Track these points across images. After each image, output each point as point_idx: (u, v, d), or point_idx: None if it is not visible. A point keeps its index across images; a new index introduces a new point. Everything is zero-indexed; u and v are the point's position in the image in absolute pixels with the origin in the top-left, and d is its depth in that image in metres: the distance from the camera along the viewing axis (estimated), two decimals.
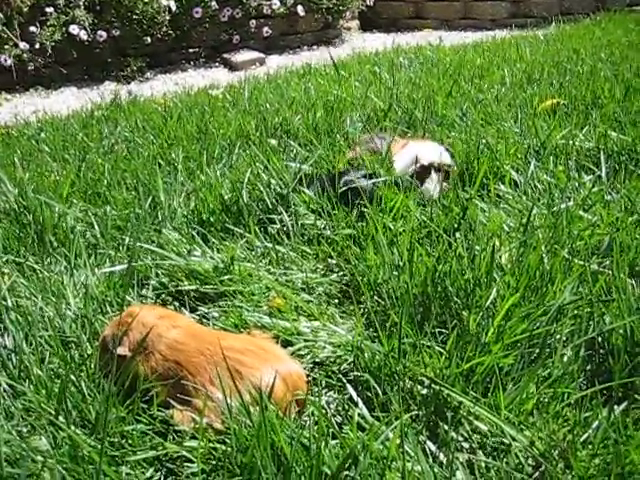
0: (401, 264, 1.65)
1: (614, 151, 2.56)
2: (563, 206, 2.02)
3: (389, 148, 2.26)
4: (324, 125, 2.94)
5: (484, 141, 2.48)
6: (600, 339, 1.45)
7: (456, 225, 1.91)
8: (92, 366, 1.50)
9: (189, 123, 3.20)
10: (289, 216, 2.06)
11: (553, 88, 3.59)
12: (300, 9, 6.62)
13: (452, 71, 4.19)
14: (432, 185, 2.03)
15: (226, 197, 2.19)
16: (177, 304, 1.75)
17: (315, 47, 6.97)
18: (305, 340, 1.53)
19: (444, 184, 2.07)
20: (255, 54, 6.23)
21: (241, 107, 3.43)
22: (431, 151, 2.14)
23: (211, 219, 2.17)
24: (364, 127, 2.84)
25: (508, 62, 4.51)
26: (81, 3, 5.55)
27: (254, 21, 6.41)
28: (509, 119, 2.93)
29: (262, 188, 2.20)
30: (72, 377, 1.40)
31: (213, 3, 6.09)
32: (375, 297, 1.69)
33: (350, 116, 3.00)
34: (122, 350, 1.39)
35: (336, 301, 1.78)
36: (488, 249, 1.69)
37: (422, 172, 2.13)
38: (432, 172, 2.08)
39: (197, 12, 6.10)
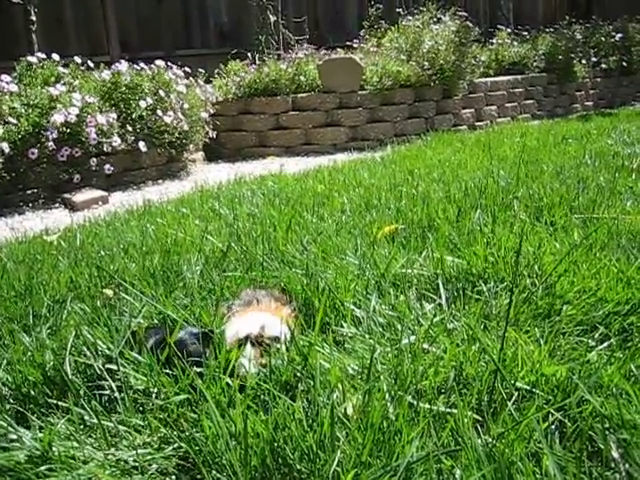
0: (235, 433, 1.51)
1: (452, 276, 2.60)
2: (406, 341, 1.99)
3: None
4: (161, 271, 2.81)
5: (323, 278, 2.44)
6: None
7: (297, 377, 1.81)
8: None
9: (15, 278, 2.96)
10: (118, 383, 1.88)
11: (391, 212, 3.69)
12: (142, 145, 6.58)
13: (294, 201, 4.23)
14: (245, 360, 1.89)
15: (47, 367, 1.98)
16: None
17: (160, 181, 6.91)
18: None
19: (262, 360, 1.92)
20: (97, 192, 6.06)
21: (73, 256, 3.24)
22: (252, 323, 2.03)
23: (32, 393, 1.94)
24: (202, 270, 2.73)
25: (348, 187, 4.63)
26: None
27: (95, 159, 6.28)
28: (350, 249, 2.94)
29: (88, 352, 2.01)
30: None
31: (50, 143, 5.92)
32: (213, 471, 1.52)
33: (187, 259, 2.89)
34: None
35: (173, 478, 1.60)
36: (329, 403, 1.59)
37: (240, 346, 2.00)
38: (248, 346, 1.95)
39: (33, 153, 5.91)
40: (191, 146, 7.49)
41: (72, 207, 5.87)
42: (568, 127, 8.15)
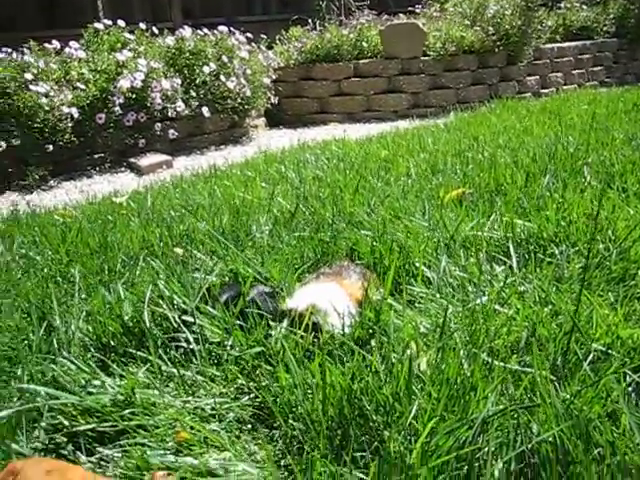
0: (313, 384, 1.54)
1: (522, 239, 2.57)
2: (478, 302, 1.98)
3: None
4: (230, 231, 2.85)
5: (393, 238, 2.44)
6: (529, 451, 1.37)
7: (370, 332, 1.83)
8: None
9: (90, 236, 3.05)
10: (194, 335, 1.93)
11: (457, 177, 3.65)
12: (205, 110, 6.65)
13: (358, 165, 4.22)
14: (316, 318, 1.87)
15: (126, 318, 2.04)
16: (72, 447, 1.57)
17: (222, 146, 6.98)
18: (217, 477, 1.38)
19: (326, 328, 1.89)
20: (162, 157, 6.17)
21: (144, 216, 3.31)
22: (322, 294, 2.00)
23: (112, 343, 2.01)
24: (271, 231, 2.77)
25: (412, 153, 4.59)
26: None
27: (159, 124, 6.37)
28: (417, 212, 2.93)
29: (165, 306, 2.07)
30: None
31: (117, 108, 6.03)
32: (290, 421, 1.56)
33: (256, 220, 2.92)
34: None
35: (249, 427, 1.64)
36: (405, 358, 1.61)
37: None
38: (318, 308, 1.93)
39: (101, 118, 6.03)
40: (253, 112, 7.52)
41: (138, 171, 5.99)
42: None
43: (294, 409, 1.55)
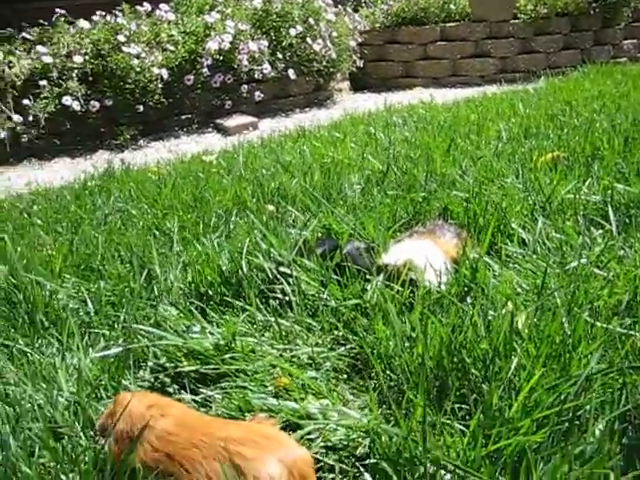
0: (413, 335, 1.55)
1: (622, 204, 2.50)
2: (576, 264, 1.94)
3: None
4: (322, 189, 2.87)
5: (488, 199, 2.41)
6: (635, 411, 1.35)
7: (466, 289, 1.82)
8: (86, 459, 1.39)
9: (184, 191, 3.14)
10: (291, 287, 1.96)
11: (551, 142, 3.55)
12: (291, 73, 6.67)
13: (447, 128, 4.16)
14: (413, 274, 1.87)
15: (224, 268, 2.10)
16: (177, 387, 1.64)
17: (307, 109, 7.00)
18: (315, 423, 1.42)
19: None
20: (247, 118, 6.24)
21: (236, 173, 3.37)
22: (417, 250, 1.99)
23: (209, 292, 2.08)
24: (363, 189, 2.77)
25: (502, 117, 4.49)
26: (74, 75, 5.57)
27: (246, 86, 6.43)
28: (510, 175, 2.87)
29: (261, 258, 2.11)
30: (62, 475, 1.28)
31: (205, 70, 6.12)
32: (387, 371, 1.58)
33: (348, 178, 2.93)
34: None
35: (345, 376, 1.67)
36: (504, 315, 1.60)
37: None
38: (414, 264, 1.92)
39: (189, 79, 6.13)
40: (338, 75, 7.50)
41: (224, 132, 6.09)
42: None
43: (392, 359, 1.57)
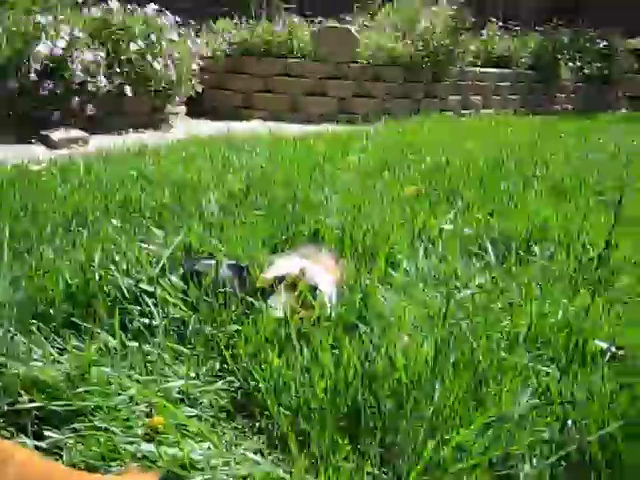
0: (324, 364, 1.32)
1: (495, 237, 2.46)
2: (467, 293, 1.83)
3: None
4: (178, 203, 2.58)
5: (365, 225, 2.27)
6: None
7: (361, 315, 1.63)
8: None
9: (13, 201, 2.70)
10: (149, 308, 1.66)
11: (408, 177, 3.53)
12: (129, 89, 6.27)
13: (303, 157, 4.02)
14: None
15: (71, 282, 1.75)
16: (13, 429, 1.28)
17: (143, 129, 6.60)
18: (202, 474, 1.14)
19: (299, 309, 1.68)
20: (78, 132, 5.74)
21: (76, 182, 2.98)
22: (294, 266, 1.80)
23: (50, 311, 1.71)
24: (224, 207, 2.52)
25: (353, 151, 4.44)
26: None
27: (77, 98, 5.93)
28: (377, 204, 2.76)
29: (116, 273, 1.79)
30: None
31: (32, 75, 5.56)
32: (281, 408, 1.33)
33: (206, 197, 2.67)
34: None
35: (224, 415, 1.40)
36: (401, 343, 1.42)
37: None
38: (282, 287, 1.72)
39: (11, 84, 5.55)
40: (177, 98, 7.17)
41: (51, 145, 5.53)
42: (559, 124, 8.12)
43: (289, 395, 1.33)
